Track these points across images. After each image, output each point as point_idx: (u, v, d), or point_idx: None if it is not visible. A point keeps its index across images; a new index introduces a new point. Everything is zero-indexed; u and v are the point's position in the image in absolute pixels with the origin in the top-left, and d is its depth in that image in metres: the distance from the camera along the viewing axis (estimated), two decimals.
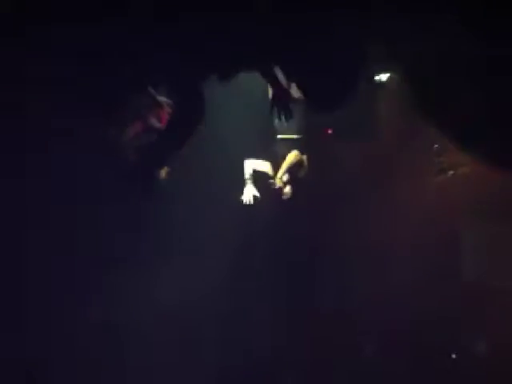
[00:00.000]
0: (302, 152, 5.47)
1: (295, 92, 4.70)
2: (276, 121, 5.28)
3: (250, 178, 5.33)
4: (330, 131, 5.84)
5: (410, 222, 5.54)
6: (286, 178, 5.39)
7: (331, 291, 6.02)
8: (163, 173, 5.18)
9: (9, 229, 4.76)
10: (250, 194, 5.25)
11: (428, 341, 5.69)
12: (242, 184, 5.38)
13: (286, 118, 4.34)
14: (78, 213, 5.08)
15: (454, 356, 5.75)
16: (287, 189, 5.40)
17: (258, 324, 5.95)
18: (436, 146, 5.62)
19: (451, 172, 5.68)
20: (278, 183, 5.34)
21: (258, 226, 5.93)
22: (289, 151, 5.38)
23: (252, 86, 4.86)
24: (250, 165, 5.42)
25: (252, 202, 5.24)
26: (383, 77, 5.46)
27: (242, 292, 5.95)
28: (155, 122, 4.89)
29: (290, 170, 5.38)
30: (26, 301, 5.00)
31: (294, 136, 5.50)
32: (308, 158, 5.59)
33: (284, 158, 5.37)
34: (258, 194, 5.26)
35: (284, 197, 5.39)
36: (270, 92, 4.66)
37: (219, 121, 5.36)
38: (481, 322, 5.47)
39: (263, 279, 6.03)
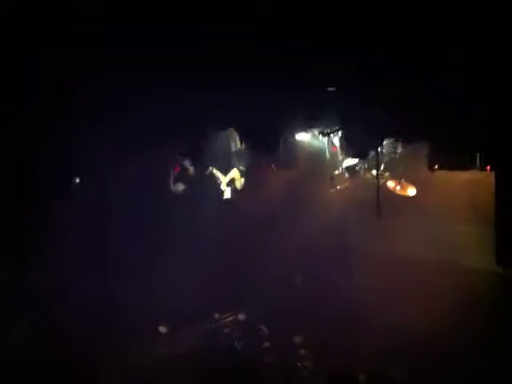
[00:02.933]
0: (241, 174, 9.19)
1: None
2: (233, 161, 9.11)
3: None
4: (273, 166, 9.49)
5: (316, 210, 9.63)
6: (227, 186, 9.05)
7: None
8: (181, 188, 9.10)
9: None
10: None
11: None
12: None
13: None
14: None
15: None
16: (228, 190, 9.02)
17: None
18: (332, 174, 9.57)
19: (338, 187, 9.60)
20: (223, 187, 9.03)
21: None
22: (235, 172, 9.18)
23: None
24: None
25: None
26: (301, 135, 9.17)
27: None
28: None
29: (229, 180, 9.06)
30: None
31: (241, 167, 9.37)
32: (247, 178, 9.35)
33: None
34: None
35: (224, 197, 8.97)
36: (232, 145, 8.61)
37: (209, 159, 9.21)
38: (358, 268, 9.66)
39: None
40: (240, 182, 9.17)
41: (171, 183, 8.98)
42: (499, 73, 5.40)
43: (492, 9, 4.92)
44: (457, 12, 4.89)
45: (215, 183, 9.22)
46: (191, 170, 9.45)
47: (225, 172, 9.40)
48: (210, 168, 8.93)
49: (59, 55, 5.46)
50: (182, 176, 9.10)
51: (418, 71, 5.72)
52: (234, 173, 9.06)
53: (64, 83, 5.80)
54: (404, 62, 5.64)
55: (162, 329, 9.22)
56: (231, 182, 9.06)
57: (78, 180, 8.08)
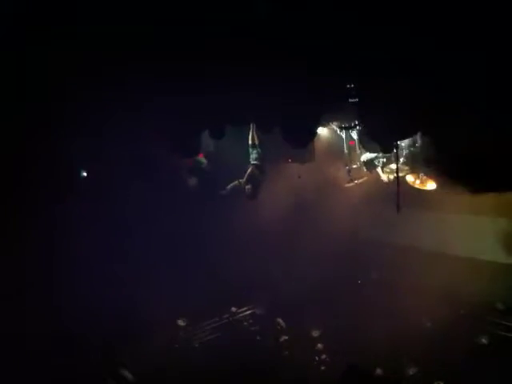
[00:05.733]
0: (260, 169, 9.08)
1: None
2: (251, 156, 9.04)
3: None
4: (290, 160, 9.60)
5: (335, 204, 9.75)
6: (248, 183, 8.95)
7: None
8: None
9: None
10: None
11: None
12: None
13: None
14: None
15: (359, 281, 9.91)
16: (249, 187, 8.67)
17: None
18: (347, 167, 9.43)
19: (356, 181, 9.49)
20: (243, 184, 8.75)
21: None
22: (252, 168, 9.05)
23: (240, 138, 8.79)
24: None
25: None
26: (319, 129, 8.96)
27: None
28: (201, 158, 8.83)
29: (249, 176, 8.79)
30: None
31: (257, 162, 9.30)
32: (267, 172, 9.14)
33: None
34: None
35: (246, 193, 8.63)
36: (250, 139, 8.61)
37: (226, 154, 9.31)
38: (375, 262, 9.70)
39: None
40: (259, 177, 9.09)
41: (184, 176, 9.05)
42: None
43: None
44: None
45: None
46: (205, 163, 9.43)
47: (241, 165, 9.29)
48: (237, 182, 8.78)
49: (59, 55, 5.49)
50: (196, 169, 9.09)
51: (437, 65, 5.58)
52: (253, 168, 8.98)
53: (64, 83, 5.82)
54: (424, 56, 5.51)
55: (181, 322, 9.31)
56: (251, 178, 8.94)
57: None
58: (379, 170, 9.14)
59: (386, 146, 7.87)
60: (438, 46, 5.30)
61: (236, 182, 8.72)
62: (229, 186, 8.73)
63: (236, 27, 5.71)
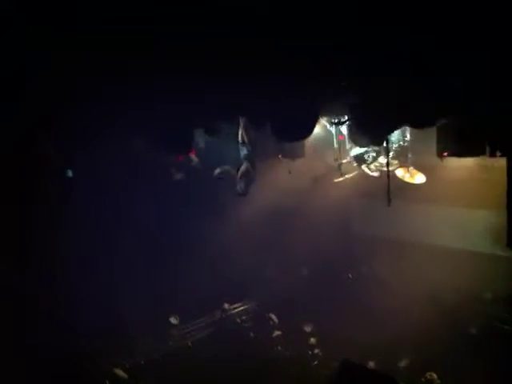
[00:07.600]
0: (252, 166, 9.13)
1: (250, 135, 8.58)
2: (241, 153, 9.06)
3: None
4: (280, 156, 9.51)
5: (326, 199, 9.76)
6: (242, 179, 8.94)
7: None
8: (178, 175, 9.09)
9: None
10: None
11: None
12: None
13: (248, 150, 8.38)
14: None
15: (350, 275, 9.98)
16: (242, 184, 8.59)
17: None
18: (337, 162, 9.41)
19: (346, 176, 9.52)
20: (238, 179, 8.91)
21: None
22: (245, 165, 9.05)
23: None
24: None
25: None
26: None
27: None
28: (192, 156, 8.79)
29: (242, 173, 8.59)
30: None
31: (248, 159, 9.22)
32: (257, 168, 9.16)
33: None
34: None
35: (238, 190, 8.47)
36: (240, 136, 8.63)
37: (215, 151, 9.27)
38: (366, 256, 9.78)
39: None
40: (252, 173, 9.06)
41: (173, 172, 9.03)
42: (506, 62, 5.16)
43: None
44: None
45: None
46: (195, 160, 9.39)
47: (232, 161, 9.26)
48: (226, 168, 8.74)
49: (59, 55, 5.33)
50: (185, 165, 9.14)
51: (425, 60, 5.66)
52: (246, 164, 8.94)
53: (63, 83, 5.65)
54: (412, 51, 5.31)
55: (174, 320, 9.27)
56: (244, 175, 8.89)
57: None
58: (364, 167, 9.13)
59: (377, 140, 7.81)
60: (425, 42, 5.00)
61: (220, 169, 8.66)
62: (217, 171, 8.70)
63: (227, 25, 5.74)
